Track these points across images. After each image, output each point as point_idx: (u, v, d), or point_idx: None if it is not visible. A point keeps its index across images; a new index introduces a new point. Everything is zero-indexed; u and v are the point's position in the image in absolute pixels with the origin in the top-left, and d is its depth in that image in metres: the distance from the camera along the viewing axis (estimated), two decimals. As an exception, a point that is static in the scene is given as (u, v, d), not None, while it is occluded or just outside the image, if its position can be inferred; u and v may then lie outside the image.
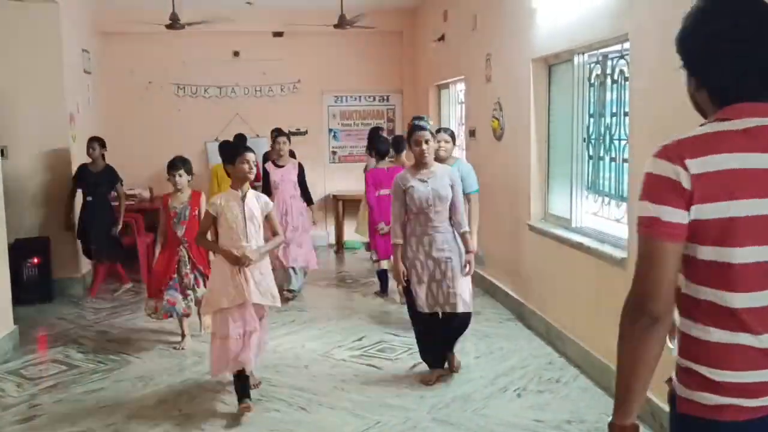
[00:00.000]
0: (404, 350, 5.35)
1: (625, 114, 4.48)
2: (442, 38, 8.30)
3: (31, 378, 4.95)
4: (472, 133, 7.37)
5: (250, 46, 9.77)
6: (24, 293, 6.52)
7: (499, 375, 4.80)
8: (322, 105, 10.19)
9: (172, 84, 9.70)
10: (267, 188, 6.72)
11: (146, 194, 9.05)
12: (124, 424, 4.14)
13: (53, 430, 4.08)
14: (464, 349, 5.34)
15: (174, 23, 8.26)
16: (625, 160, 4.50)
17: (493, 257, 6.78)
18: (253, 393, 4.52)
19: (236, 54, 9.82)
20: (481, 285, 6.96)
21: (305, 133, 9.98)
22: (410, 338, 5.58)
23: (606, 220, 4.88)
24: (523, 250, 5.95)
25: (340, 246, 9.71)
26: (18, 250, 6.70)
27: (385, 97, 10.35)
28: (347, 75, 10.03)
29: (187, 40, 9.25)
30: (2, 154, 5.91)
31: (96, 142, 7.13)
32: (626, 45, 4.34)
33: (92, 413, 4.30)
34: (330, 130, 10.27)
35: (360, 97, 10.29)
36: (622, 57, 4.58)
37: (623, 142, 4.57)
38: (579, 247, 4.85)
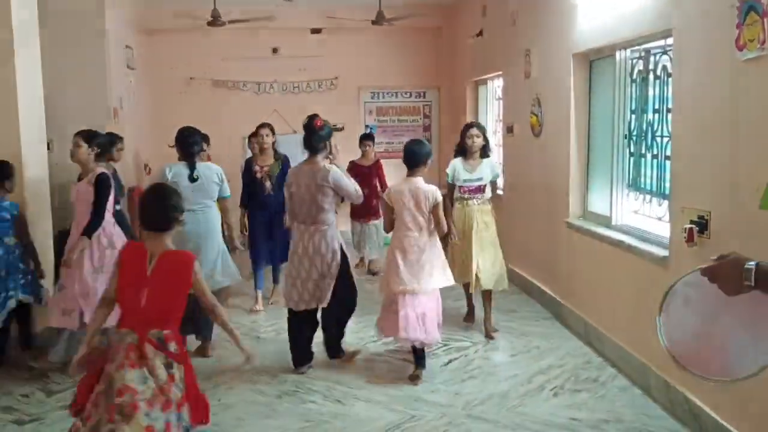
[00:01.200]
0: (439, 346, 5.34)
1: (668, 110, 4.41)
2: (480, 34, 8.26)
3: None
4: (509, 130, 7.33)
5: (288, 42, 9.85)
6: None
7: (535, 373, 4.77)
8: (359, 101, 10.23)
9: (212, 80, 9.84)
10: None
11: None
12: (164, 412, 4.22)
13: (96, 416, 4.17)
14: (500, 346, 5.32)
15: (215, 20, 8.40)
16: (667, 158, 4.42)
17: (530, 255, 6.73)
18: (288, 385, 4.59)
19: (275, 51, 9.92)
20: (518, 282, 6.91)
21: (342, 129, 9.99)
22: (446, 333, 5.59)
23: (647, 219, 4.81)
24: (561, 248, 5.90)
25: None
26: (63, 241, 6.85)
27: (422, 93, 10.35)
28: (384, 71, 10.06)
29: (227, 37, 9.38)
30: (49, 147, 6.05)
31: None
32: (669, 40, 4.27)
33: (133, 401, 4.39)
34: (366, 126, 10.29)
35: (397, 93, 10.31)
36: (665, 52, 4.50)
37: (665, 139, 4.50)
38: (619, 245, 4.79)
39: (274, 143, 6.55)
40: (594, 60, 5.54)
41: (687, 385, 3.90)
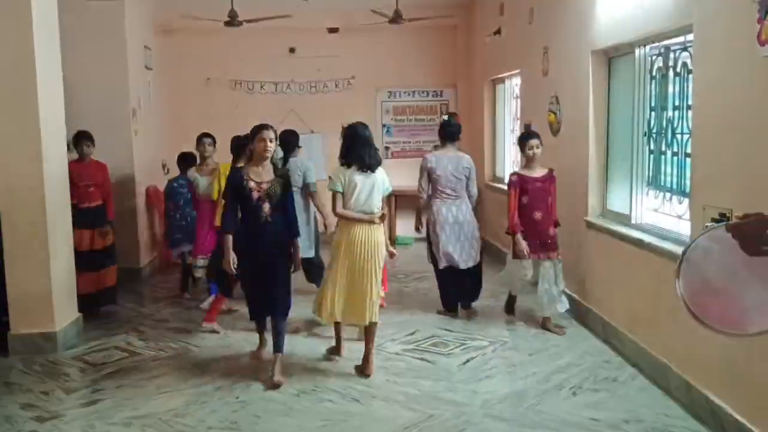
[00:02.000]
0: (457, 345, 5.33)
1: (688, 107, 4.36)
2: (498, 32, 8.22)
3: (94, 363, 5.12)
4: (527, 128, 7.27)
5: (305, 42, 9.87)
6: (88, 282, 6.72)
7: (554, 372, 4.74)
8: (376, 101, 10.23)
9: (230, 80, 9.89)
10: None
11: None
12: (183, 409, 4.24)
13: (115, 414, 4.21)
14: (518, 346, 5.30)
15: (232, 20, 8.42)
16: (687, 155, 4.37)
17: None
18: (306, 384, 4.59)
19: (292, 50, 9.94)
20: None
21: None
22: (463, 333, 5.59)
23: (667, 217, 4.76)
24: (580, 247, 5.85)
25: (392, 241, 9.71)
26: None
27: (439, 92, 10.32)
28: (401, 70, 10.05)
29: (244, 37, 9.42)
30: (69, 148, 6.11)
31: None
32: (690, 36, 4.22)
33: (152, 399, 4.43)
34: (383, 126, 10.29)
35: (413, 92, 10.29)
36: (685, 49, 4.45)
37: (686, 137, 4.45)
38: (639, 244, 4.74)
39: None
40: (613, 57, 5.49)
41: (708, 385, 3.85)
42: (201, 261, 6.33)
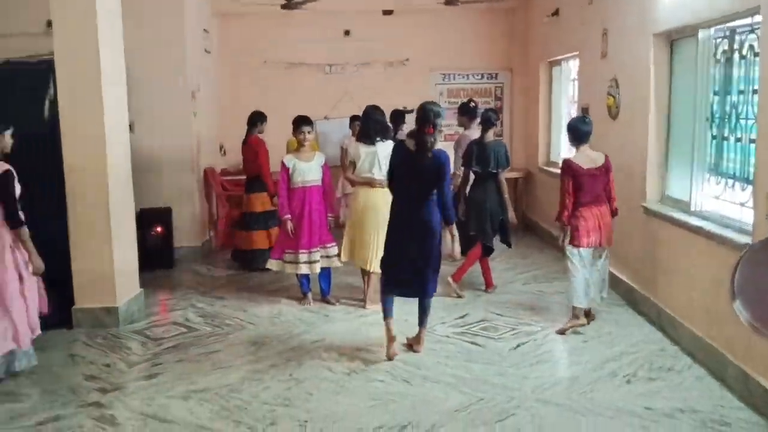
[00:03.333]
0: (507, 329, 5.32)
1: (754, 92, 4.22)
2: (556, 13, 8.07)
3: (154, 338, 5.30)
4: (584, 111, 7.15)
5: (360, 24, 9.87)
6: (148, 260, 6.94)
7: (607, 360, 4.68)
8: (430, 83, 10.17)
9: (286, 62, 9.97)
10: None
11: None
12: (238, 384, 4.37)
13: (174, 387, 4.37)
14: (572, 332, 5.24)
15: (289, 3, 8.50)
16: (752, 141, 4.23)
17: (603, 240, 6.58)
18: (357, 364, 4.67)
19: (347, 33, 9.95)
20: (590, 268, 6.80)
21: (412, 111, 9.99)
22: (514, 318, 5.57)
23: (729, 204, 4.62)
24: (636, 233, 5.74)
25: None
26: (143, 220, 7.16)
27: (494, 75, 10.20)
28: (455, 52, 9.96)
29: (300, 20, 9.49)
30: (131, 129, 6.29)
31: None
32: (757, 18, 4.06)
33: (209, 374, 4.57)
34: (438, 108, 10.22)
35: (468, 75, 10.19)
36: (752, 31, 4.29)
37: (750, 122, 4.30)
38: (698, 231, 4.62)
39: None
40: (675, 40, 5.33)
41: (766, 376, 3.76)
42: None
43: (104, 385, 4.43)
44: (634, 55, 5.77)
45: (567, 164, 5.21)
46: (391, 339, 4.77)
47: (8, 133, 4.42)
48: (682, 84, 5.24)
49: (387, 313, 4.80)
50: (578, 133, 5.21)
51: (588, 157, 5.19)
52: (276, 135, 7.69)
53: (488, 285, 6.38)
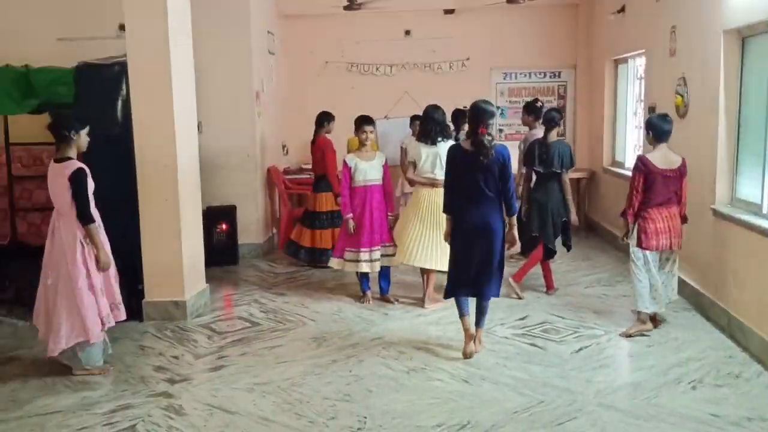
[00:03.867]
0: (569, 332, 5.25)
1: (834, 89, 4.05)
2: (622, 10, 7.90)
3: (219, 332, 5.46)
4: (651, 110, 6.98)
5: (421, 24, 9.89)
6: (213, 256, 7.13)
7: (673, 365, 4.57)
8: (490, 82, 10.10)
9: (347, 63, 10.07)
10: None
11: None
12: (300, 378, 4.46)
13: (238, 379, 4.49)
14: (635, 337, 5.13)
15: (351, 4, 8.59)
16: (830, 141, 4.07)
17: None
18: (416, 362, 4.70)
19: (407, 33, 9.97)
20: (655, 271, 6.65)
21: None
22: (576, 321, 5.49)
23: (804, 207, 4.46)
24: (705, 236, 5.58)
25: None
26: (209, 217, 7.37)
27: (557, 74, 10.04)
28: (517, 51, 9.86)
29: (361, 21, 9.58)
30: (199, 129, 6.46)
31: None
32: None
33: (272, 367, 4.68)
34: (497, 108, 10.15)
35: (530, 73, 10.07)
36: (832, 26, 4.12)
37: (829, 121, 4.13)
38: (770, 234, 4.47)
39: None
40: (747, 37, 5.16)
41: None
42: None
43: (172, 375, 4.58)
44: (704, 53, 5.61)
45: (642, 161, 5.08)
46: (469, 336, 4.80)
47: (84, 132, 4.60)
48: (755, 82, 5.07)
49: (462, 312, 4.83)
50: (658, 130, 5.08)
51: (665, 158, 5.06)
52: (337, 135, 7.79)
53: (549, 287, 6.31)
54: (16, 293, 6.25)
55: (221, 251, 7.53)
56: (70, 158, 4.50)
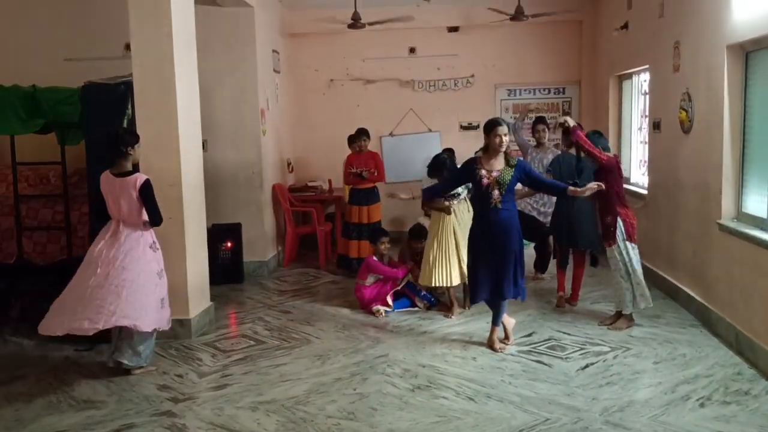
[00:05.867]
0: (575, 349, 5.21)
1: (838, 103, 4.03)
2: (625, 26, 7.93)
3: (224, 350, 5.44)
4: (656, 126, 6.98)
5: (425, 42, 9.94)
6: (218, 274, 7.13)
7: (680, 382, 4.53)
8: (495, 99, 10.13)
9: (352, 81, 10.13)
10: None
11: (326, 186, 9.52)
12: (304, 397, 4.44)
13: (242, 398, 4.47)
14: (642, 353, 5.10)
15: (355, 23, 8.65)
16: (836, 155, 4.04)
17: (676, 257, 6.38)
18: (421, 380, 4.67)
19: (412, 50, 10.03)
20: (662, 287, 6.59)
21: (477, 127, 9.98)
22: (582, 337, 5.46)
23: (810, 221, 4.42)
24: (711, 251, 5.54)
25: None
26: (214, 235, 7.37)
27: (561, 90, 10.07)
28: (521, 67, 9.89)
29: (366, 39, 9.64)
30: (204, 147, 6.48)
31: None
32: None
33: (276, 386, 4.66)
34: (511, 117, 10.15)
35: (534, 90, 10.09)
36: (835, 40, 4.12)
37: (834, 135, 4.11)
38: (777, 249, 4.44)
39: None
40: (750, 51, 5.16)
41: None
42: None
43: (176, 394, 4.57)
44: (707, 68, 5.61)
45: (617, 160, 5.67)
46: (506, 336, 5.37)
47: (138, 146, 4.88)
48: (759, 97, 5.06)
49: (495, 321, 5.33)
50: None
51: None
52: (341, 152, 7.83)
53: (574, 298, 6.45)
54: (21, 311, 6.26)
55: (226, 269, 7.52)
56: (131, 171, 4.81)
